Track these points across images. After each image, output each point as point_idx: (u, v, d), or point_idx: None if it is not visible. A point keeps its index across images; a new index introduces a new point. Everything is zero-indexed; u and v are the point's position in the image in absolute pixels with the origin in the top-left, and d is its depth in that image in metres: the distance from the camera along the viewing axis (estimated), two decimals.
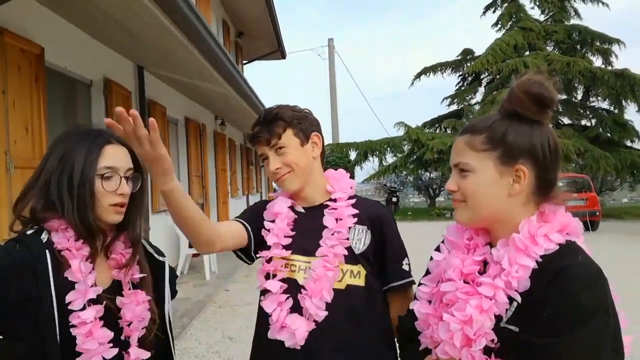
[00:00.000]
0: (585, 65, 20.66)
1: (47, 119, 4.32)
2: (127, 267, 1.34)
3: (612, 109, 22.11)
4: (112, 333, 1.25)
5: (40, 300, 1.17)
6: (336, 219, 1.55)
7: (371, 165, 25.39)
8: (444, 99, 26.26)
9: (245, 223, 1.61)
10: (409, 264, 1.61)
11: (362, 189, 28.36)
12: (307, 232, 1.55)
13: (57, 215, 1.26)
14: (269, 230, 1.56)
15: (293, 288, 1.50)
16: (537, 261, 1.08)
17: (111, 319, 1.28)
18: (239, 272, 8.38)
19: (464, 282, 1.16)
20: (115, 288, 1.33)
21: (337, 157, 23.22)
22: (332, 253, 1.49)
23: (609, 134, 21.62)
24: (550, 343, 1.00)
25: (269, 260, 1.53)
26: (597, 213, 14.66)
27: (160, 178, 1.28)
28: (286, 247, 1.53)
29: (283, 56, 17.53)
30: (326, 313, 1.45)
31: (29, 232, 1.27)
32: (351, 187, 1.62)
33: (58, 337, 1.18)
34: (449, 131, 23.92)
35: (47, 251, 1.22)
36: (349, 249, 1.52)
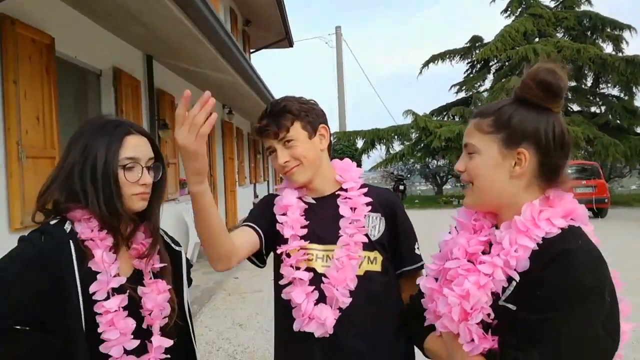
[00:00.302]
0: (596, 52, 20.39)
1: (58, 108, 4.36)
2: (148, 257, 1.34)
3: (622, 95, 21.89)
4: (135, 324, 1.26)
5: (65, 290, 1.18)
6: (351, 208, 1.55)
7: (378, 153, 25.32)
8: (452, 87, 26.09)
9: (255, 227, 1.58)
10: (419, 248, 1.64)
11: (369, 177, 28.33)
12: (321, 222, 1.56)
13: (80, 206, 1.26)
14: (282, 224, 1.55)
15: (313, 277, 1.50)
16: (538, 243, 1.11)
17: (134, 307, 1.29)
18: None
19: (468, 260, 1.20)
20: (136, 277, 1.34)
21: (344, 146, 23.19)
22: (353, 241, 1.50)
23: (618, 121, 21.37)
24: (548, 319, 1.03)
25: (289, 254, 1.53)
26: (606, 200, 14.59)
27: (193, 177, 1.25)
28: (303, 237, 1.53)
29: (290, 44, 17.46)
30: (350, 299, 1.47)
31: (52, 222, 1.27)
32: (359, 177, 1.63)
33: (84, 326, 1.19)
34: (457, 119, 23.77)
35: (71, 241, 1.23)
36: (366, 236, 1.53)
